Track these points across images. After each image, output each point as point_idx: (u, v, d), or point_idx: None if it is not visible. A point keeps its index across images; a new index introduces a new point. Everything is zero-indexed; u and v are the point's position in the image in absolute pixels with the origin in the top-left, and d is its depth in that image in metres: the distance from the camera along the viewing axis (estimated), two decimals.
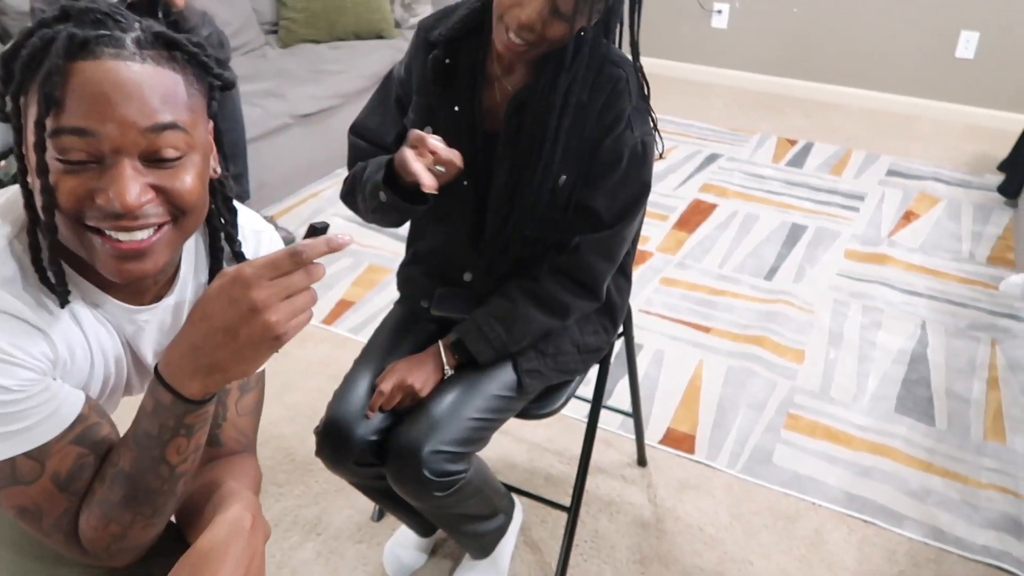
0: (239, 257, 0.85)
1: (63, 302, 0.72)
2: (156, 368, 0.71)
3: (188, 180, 0.70)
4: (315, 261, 0.66)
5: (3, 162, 2.26)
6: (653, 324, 2.24)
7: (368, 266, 2.50)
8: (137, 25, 0.69)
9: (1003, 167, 3.06)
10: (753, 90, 4.05)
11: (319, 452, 1.23)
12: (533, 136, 1.15)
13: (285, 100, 2.79)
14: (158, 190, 0.68)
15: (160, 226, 0.69)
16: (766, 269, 2.51)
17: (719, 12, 4.01)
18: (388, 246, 2.58)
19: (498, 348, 1.23)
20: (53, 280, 0.71)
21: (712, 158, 3.28)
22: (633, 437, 1.76)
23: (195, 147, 0.71)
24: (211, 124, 0.77)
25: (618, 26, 1.18)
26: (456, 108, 1.19)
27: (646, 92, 1.20)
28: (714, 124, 3.62)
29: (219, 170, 0.79)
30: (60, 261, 0.71)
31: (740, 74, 4.09)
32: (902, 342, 2.18)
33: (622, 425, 1.85)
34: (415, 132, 1.08)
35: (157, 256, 0.70)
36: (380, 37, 3.45)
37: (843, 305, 2.33)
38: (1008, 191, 2.91)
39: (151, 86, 0.67)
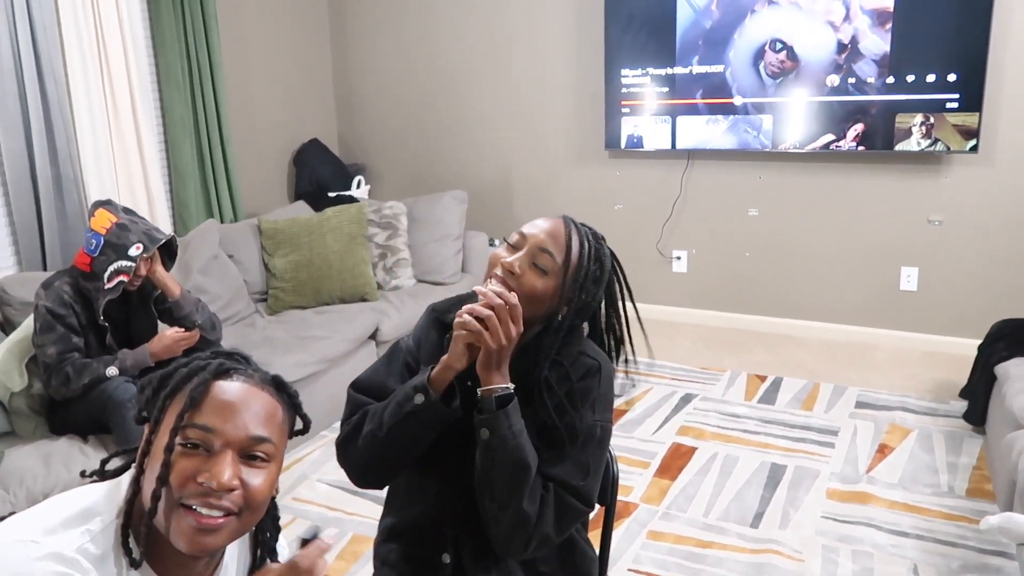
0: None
1: (136, 565, 0.91)
2: None
3: (262, 481, 0.94)
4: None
5: None
6: None
7: (352, 536, 2.46)
8: (262, 370, 1.02)
9: (964, 394, 3.19)
10: (717, 327, 4.28)
11: None
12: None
13: (271, 369, 2.88)
14: (242, 483, 0.91)
15: (228, 514, 0.90)
16: (751, 515, 2.51)
17: (678, 258, 4.34)
18: (374, 514, 2.56)
19: None
20: (135, 549, 0.91)
21: (687, 399, 3.39)
22: None
23: (275, 459, 0.97)
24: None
25: (593, 316, 1.34)
26: (468, 383, 1.26)
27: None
28: (684, 363, 3.78)
29: (279, 490, 1.03)
30: (140, 536, 0.92)
31: (703, 312, 4.34)
32: None
33: None
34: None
35: (222, 536, 0.91)
36: (364, 300, 3.67)
37: (832, 551, 2.31)
38: (972, 419, 3.01)
39: (262, 405, 0.96)
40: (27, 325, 2.49)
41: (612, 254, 1.35)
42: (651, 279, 4.41)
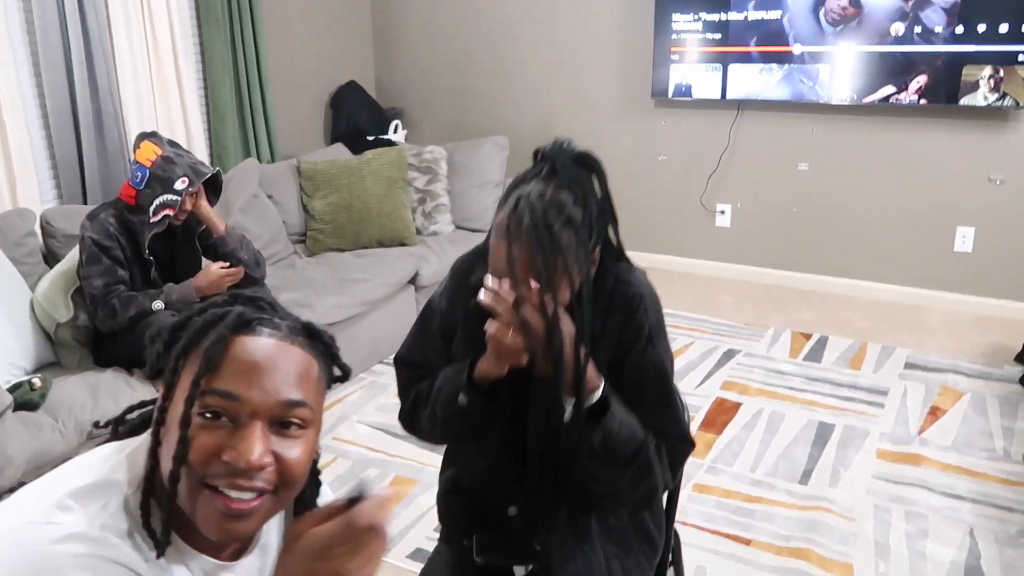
0: None
1: (160, 552, 0.76)
2: None
3: (300, 453, 0.78)
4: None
5: (38, 381, 2.29)
6: (692, 537, 2.15)
7: (395, 477, 2.45)
8: (291, 316, 0.84)
9: (1020, 359, 3.09)
10: (761, 283, 4.18)
11: None
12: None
13: (313, 310, 2.87)
14: (275, 457, 0.76)
15: (262, 493, 0.76)
16: (799, 472, 2.46)
17: (722, 212, 4.23)
18: (415, 455, 2.55)
19: None
20: (159, 530, 0.76)
21: (730, 354, 3.32)
22: None
23: (314, 424, 0.81)
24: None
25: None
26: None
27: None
28: (727, 319, 3.70)
29: (319, 451, 0.87)
30: (167, 516, 0.77)
31: (747, 268, 4.24)
32: (953, 553, 2.08)
33: None
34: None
35: (255, 520, 0.77)
36: (403, 244, 3.62)
37: (884, 511, 2.26)
38: None
39: (294, 363, 0.79)
40: (72, 257, 2.47)
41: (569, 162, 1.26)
42: (693, 233, 4.30)
